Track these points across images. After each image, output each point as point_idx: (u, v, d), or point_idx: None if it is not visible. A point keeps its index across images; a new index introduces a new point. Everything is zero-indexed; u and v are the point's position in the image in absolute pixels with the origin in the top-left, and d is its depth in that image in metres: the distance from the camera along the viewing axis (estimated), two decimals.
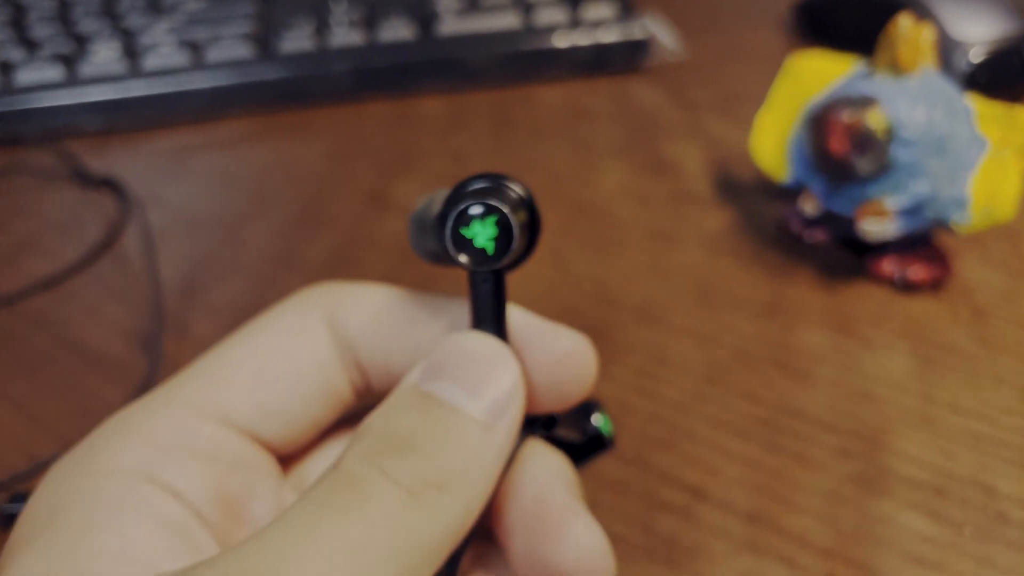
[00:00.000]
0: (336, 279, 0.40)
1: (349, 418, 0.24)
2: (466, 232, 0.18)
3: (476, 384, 0.19)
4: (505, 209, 0.18)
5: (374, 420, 0.18)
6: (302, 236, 0.43)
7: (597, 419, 0.25)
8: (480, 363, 0.19)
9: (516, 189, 0.20)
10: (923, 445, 0.31)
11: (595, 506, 0.29)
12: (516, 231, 0.18)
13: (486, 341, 0.20)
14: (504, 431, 0.19)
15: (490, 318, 0.20)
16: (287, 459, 0.23)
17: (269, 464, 0.21)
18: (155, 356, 0.36)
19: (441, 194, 0.21)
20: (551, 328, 0.21)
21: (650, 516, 0.29)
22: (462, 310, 0.22)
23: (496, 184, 0.20)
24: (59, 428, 0.33)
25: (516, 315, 0.21)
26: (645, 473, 0.30)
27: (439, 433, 0.18)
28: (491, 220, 0.18)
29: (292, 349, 0.21)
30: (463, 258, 0.19)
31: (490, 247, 0.19)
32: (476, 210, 0.18)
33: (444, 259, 0.20)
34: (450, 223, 0.18)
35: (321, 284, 0.23)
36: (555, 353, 0.21)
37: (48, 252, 0.43)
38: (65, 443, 0.33)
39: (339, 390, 0.22)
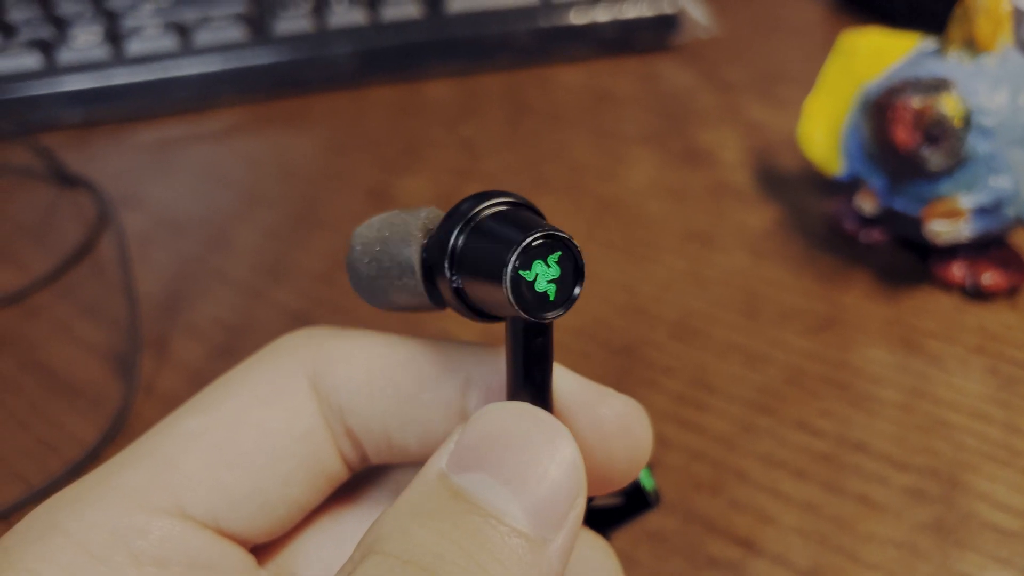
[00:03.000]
0: (333, 290, 0.37)
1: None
2: (526, 274, 0.14)
3: (525, 480, 0.14)
4: (575, 242, 0.14)
5: (387, 529, 0.14)
6: (296, 240, 0.39)
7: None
8: (531, 449, 0.15)
9: (534, 209, 0.16)
10: (1011, 486, 0.27)
11: (631, 564, 0.26)
12: (583, 270, 0.15)
13: (537, 418, 0.15)
14: (560, 547, 0.14)
15: (537, 383, 0.16)
16: (266, 545, 0.18)
17: (240, 560, 0.17)
18: (131, 381, 0.32)
19: (408, 219, 0.16)
20: (596, 391, 0.17)
21: (695, 575, 0.25)
22: (482, 364, 0.17)
23: (513, 204, 0.16)
24: (19, 466, 0.30)
25: (556, 376, 0.17)
26: (689, 523, 0.26)
27: (473, 554, 0.13)
28: (555, 257, 0.14)
29: (265, 418, 0.17)
30: (517, 308, 0.14)
31: (552, 292, 0.15)
32: (541, 243, 0.14)
33: (424, 307, 0.16)
34: (514, 261, 0.14)
35: (303, 331, 0.19)
36: (603, 424, 0.16)
37: (17, 261, 0.39)
38: (26, 485, 0.29)
39: (327, 466, 0.18)
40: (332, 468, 0.18)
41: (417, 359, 0.18)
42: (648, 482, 0.21)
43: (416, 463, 0.19)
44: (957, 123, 0.30)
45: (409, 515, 0.14)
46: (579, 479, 0.15)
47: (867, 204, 0.33)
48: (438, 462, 0.15)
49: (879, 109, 0.31)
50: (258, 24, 0.50)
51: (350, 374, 0.18)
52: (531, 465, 0.14)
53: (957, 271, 0.33)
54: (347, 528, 0.19)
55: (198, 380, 0.32)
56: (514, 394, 0.16)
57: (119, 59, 0.48)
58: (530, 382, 0.16)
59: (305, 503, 0.18)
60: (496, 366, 0.17)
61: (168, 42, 0.48)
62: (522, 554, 0.14)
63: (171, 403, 0.18)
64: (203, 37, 0.48)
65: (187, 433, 0.17)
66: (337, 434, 0.18)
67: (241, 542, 0.17)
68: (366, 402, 0.18)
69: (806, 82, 0.38)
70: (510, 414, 0.15)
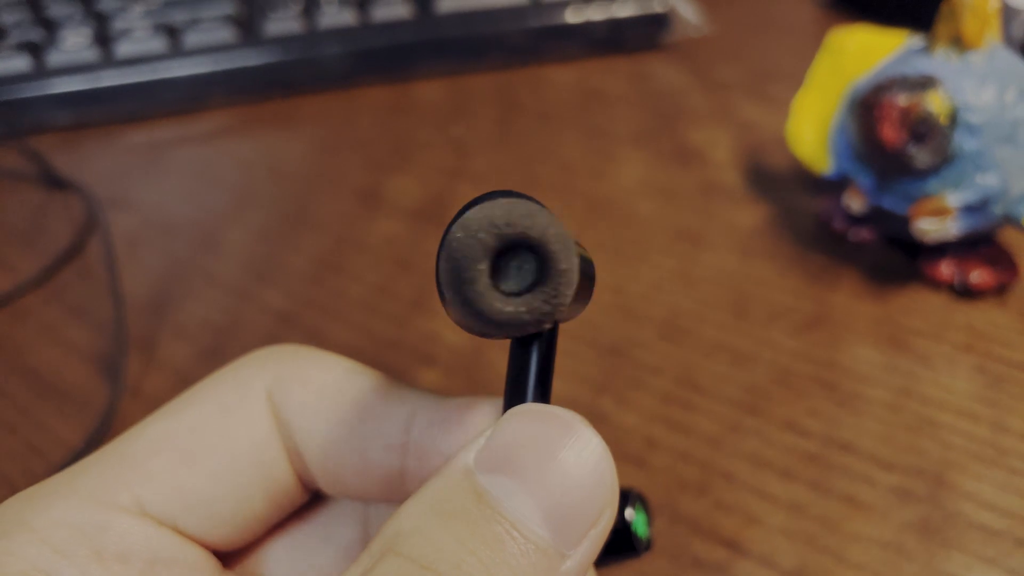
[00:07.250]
0: (321, 291, 0.37)
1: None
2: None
3: (547, 488, 0.14)
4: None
5: (408, 524, 0.14)
6: (285, 241, 0.39)
7: (630, 514, 0.19)
8: (555, 455, 0.14)
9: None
10: (997, 485, 0.27)
11: (614, 566, 0.25)
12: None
13: (565, 422, 0.14)
14: (576, 565, 0.14)
15: (546, 385, 0.15)
16: (230, 552, 0.18)
17: (202, 560, 0.17)
18: (117, 383, 0.32)
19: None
20: None
21: None
22: (428, 406, 0.18)
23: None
24: (5, 469, 0.30)
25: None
26: (674, 524, 0.26)
27: (491, 568, 0.13)
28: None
29: (224, 427, 0.17)
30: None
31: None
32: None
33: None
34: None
35: (271, 347, 0.19)
36: None
37: (5, 264, 0.39)
38: (11, 489, 0.29)
39: (283, 481, 0.18)
40: (287, 485, 0.18)
41: (366, 390, 0.18)
42: (642, 527, 0.19)
43: (354, 498, 0.19)
44: (943, 121, 0.30)
45: (432, 512, 0.14)
46: (604, 491, 0.14)
47: (855, 203, 0.33)
48: (466, 457, 0.14)
49: (866, 107, 0.31)
50: (248, 25, 0.49)
51: (302, 395, 0.18)
52: (555, 472, 0.14)
53: (945, 269, 0.33)
54: (317, 539, 0.19)
55: (184, 381, 0.32)
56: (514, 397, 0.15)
57: (109, 61, 0.48)
58: (539, 385, 0.15)
59: (263, 515, 0.18)
60: (441, 409, 0.17)
61: (158, 44, 0.48)
62: (540, 565, 0.13)
63: (157, 405, 0.18)
64: (193, 39, 0.48)
65: (151, 436, 0.17)
66: (290, 452, 0.18)
67: (202, 546, 0.17)
68: (310, 424, 0.18)
69: (797, 81, 0.38)
70: (540, 417, 0.14)
